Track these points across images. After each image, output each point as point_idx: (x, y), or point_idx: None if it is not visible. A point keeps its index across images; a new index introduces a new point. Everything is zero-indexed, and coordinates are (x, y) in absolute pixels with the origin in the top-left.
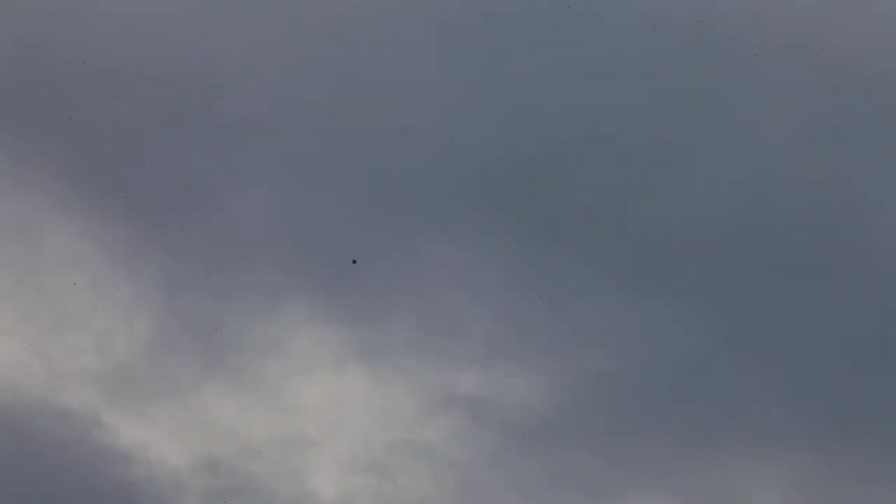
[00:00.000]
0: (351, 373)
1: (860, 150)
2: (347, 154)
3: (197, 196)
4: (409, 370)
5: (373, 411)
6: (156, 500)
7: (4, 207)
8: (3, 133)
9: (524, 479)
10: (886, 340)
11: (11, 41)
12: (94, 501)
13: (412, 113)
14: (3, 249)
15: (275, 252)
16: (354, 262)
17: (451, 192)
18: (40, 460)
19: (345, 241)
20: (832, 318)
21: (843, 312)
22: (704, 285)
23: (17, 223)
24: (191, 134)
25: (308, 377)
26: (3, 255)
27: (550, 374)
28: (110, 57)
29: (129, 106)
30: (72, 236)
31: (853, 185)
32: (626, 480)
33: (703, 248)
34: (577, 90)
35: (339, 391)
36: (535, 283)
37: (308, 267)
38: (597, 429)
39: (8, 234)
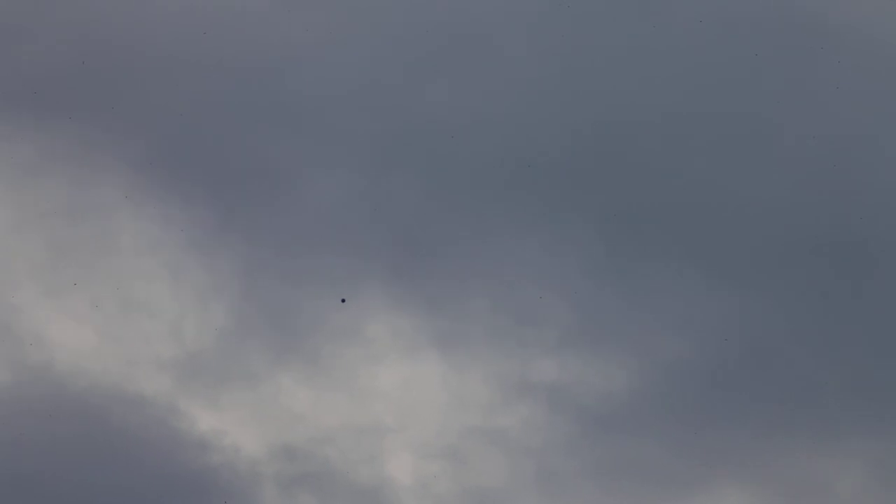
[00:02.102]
0: (426, 360)
1: None
2: (423, 138)
3: (272, 181)
4: (485, 357)
5: (448, 398)
6: (233, 487)
7: (78, 194)
8: (76, 119)
9: (600, 467)
10: None
11: (83, 27)
12: (170, 489)
13: (488, 97)
14: (76, 236)
15: (350, 238)
16: (343, 300)
17: (527, 178)
18: (115, 448)
19: (421, 228)
20: None
21: None
22: (783, 273)
23: (91, 209)
24: (266, 118)
25: (383, 364)
26: (77, 241)
27: (626, 362)
28: (184, 42)
29: (205, 90)
30: (146, 222)
31: None
32: (703, 470)
33: (781, 235)
34: (653, 70)
35: (414, 378)
36: (611, 271)
37: (383, 253)
38: (673, 417)
39: (81, 221)
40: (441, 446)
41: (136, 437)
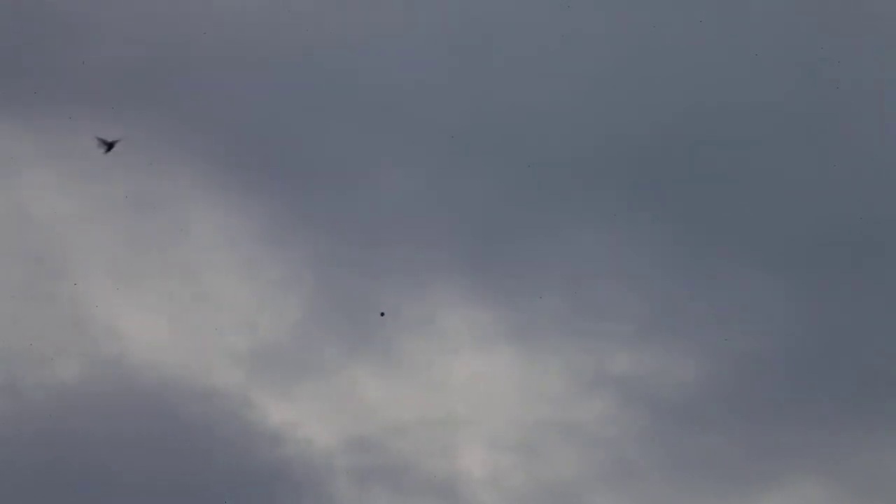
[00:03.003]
0: (500, 352)
1: None
2: (500, 131)
3: (347, 173)
4: (559, 350)
5: (522, 391)
6: (306, 480)
7: (152, 186)
8: (153, 111)
9: (675, 460)
10: None
11: (160, 20)
12: (243, 481)
13: (566, 91)
14: (149, 228)
15: (425, 230)
16: (382, 314)
17: (603, 173)
18: (187, 441)
19: (496, 220)
20: None
21: None
22: (858, 268)
23: (165, 201)
24: (341, 111)
25: (457, 356)
26: (150, 233)
27: (700, 356)
28: (261, 37)
29: (279, 84)
30: (221, 215)
31: None
32: (779, 463)
33: (857, 230)
34: (729, 62)
35: (488, 371)
36: (685, 265)
37: (458, 246)
38: (747, 410)
39: (155, 213)
40: (514, 439)
41: (209, 430)
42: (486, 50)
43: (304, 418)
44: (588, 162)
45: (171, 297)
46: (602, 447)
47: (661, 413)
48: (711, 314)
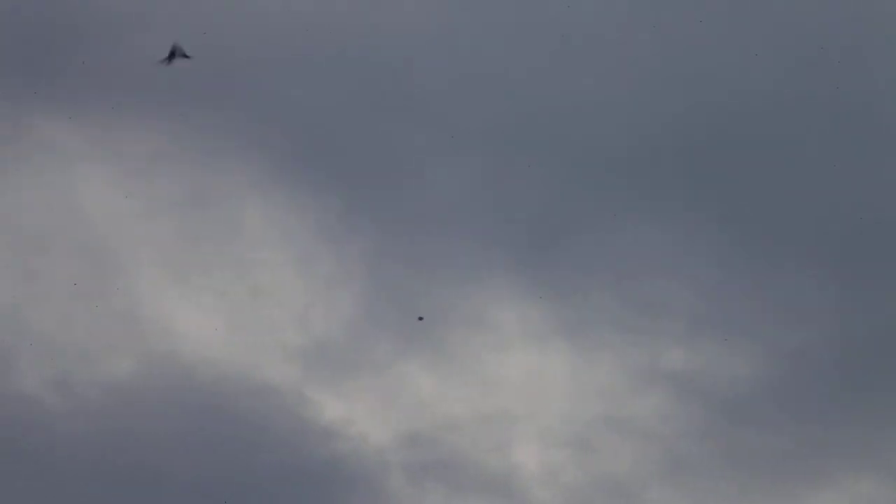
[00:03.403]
0: (553, 348)
1: None
2: (552, 126)
3: (401, 169)
4: (613, 346)
5: (575, 387)
6: (360, 476)
7: (206, 182)
8: (207, 107)
9: (728, 456)
10: None
11: (212, 17)
12: (297, 478)
13: (617, 85)
14: (203, 224)
15: (477, 226)
16: (421, 318)
17: (653, 167)
18: (241, 437)
19: (548, 216)
20: None
21: None
22: None
23: (218, 197)
24: (392, 105)
25: (510, 352)
26: (204, 229)
27: (755, 351)
28: (313, 33)
29: (332, 80)
30: (275, 211)
31: None
32: (832, 460)
33: None
34: (780, 55)
35: (541, 366)
36: (738, 260)
37: (511, 241)
38: (801, 406)
39: (208, 209)
40: (569, 435)
41: (263, 426)
42: (537, 44)
43: (358, 414)
44: (640, 158)
45: (224, 293)
46: (656, 443)
47: (714, 409)
48: (764, 309)
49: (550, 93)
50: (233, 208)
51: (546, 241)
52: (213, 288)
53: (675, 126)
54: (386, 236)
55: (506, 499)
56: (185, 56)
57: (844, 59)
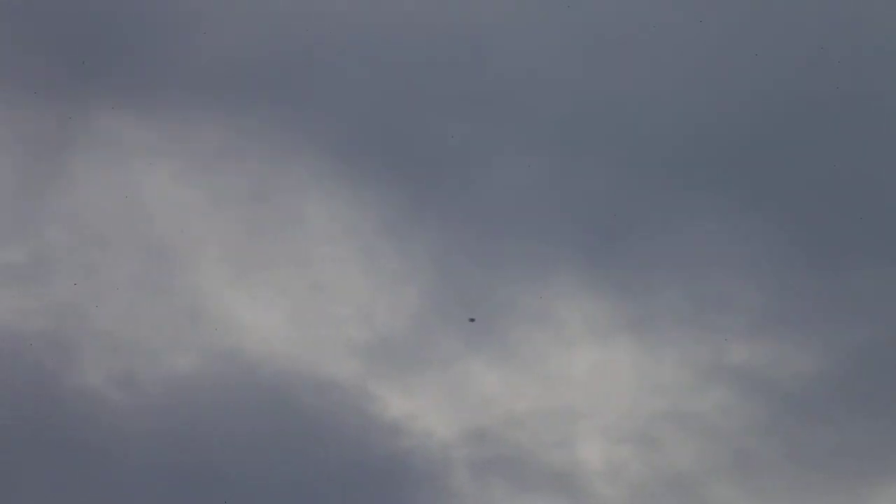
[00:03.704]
0: (618, 344)
1: None
2: (617, 124)
3: (466, 166)
4: (677, 342)
5: (640, 382)
6: (425, 472)
7: (271, 178)
8: (273, 104)
9: (792, 451)
10: None
11: (280, 15)
12: (362, 473)
13: (684, 83)
14: (267, 220)
15: (543, 223)
16: (472, 320)
17: (718, 164)
18: (306, 432)
19: (614, 214)
20: None
21: None
22: None
23: (283, 193)
24: (458, 103)
25: (574, 348)
26: (267, 224)
27: (818, 346)
28: (380, 31)
29: (399, 77)
30: (339, 206)
31: None
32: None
33: None
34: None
35: (605, 362)
36: (801, 256)
37: (576, 238)
38: (867, 402)
39: (273, 205)
40: (632, 430)
41: (327, 422)
42: (605, 43)
43: (423, 410)
44: (706, 157)
45: (288, 288)
46: (719, 439)
47: (778, 404)
48: (829, 305)
49: (616, 92)
50: (296, 203)
51: (611, 238)
52: (277, 283)
53: (741, 125)
54: (451, 233)
55: (569, 494)
56: None
57: None
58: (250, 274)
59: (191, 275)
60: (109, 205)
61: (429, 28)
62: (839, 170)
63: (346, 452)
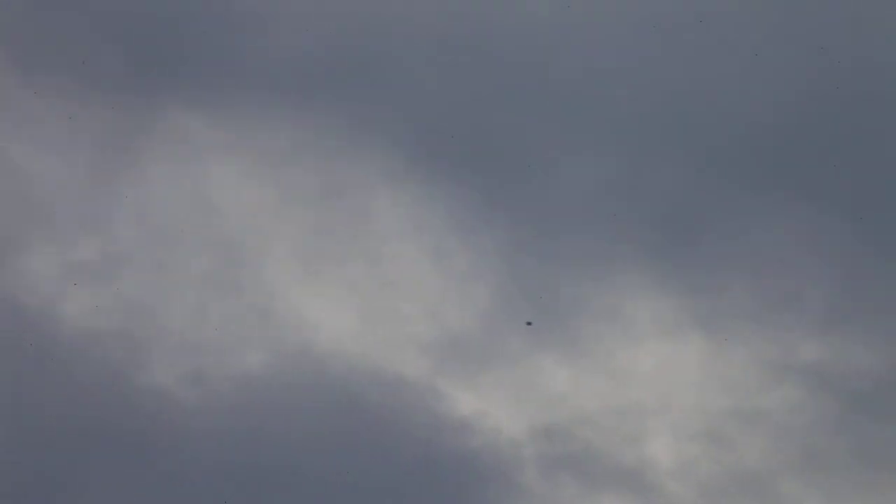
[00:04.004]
0: (686, 342)
1: None
2: (686, 121)
3: (535, 164)
4: (746, 339)
5: (708, 380)
6: (494, 469)
7: (340, 175)
8: (341, 102)
9: (862, 449)
10: None
11: (347, 15)
12: (431, 471)
13: (751, 81)
14: (336, 218)
15: (611, 220)
16: (529, 323)
17: (786, 162)
18: (375, 429)
19: (682, 211)
20: None
21: None
22: None
23: (352, 191)
24: (527, 101)
25: (643, 345)
26: (337, 223)
27: (888, 344)
28: (448, 29)
29: (467, 75)
30: (409, 204)
31: None
32: None
33: None
34: None
35: (674, 360)
36: (871, 252)
37: (644, 235)
38: None
39: (342, 203)
40: (701, 428)
41: (396, 420)
42: (673, 42)
43: (492, 408)
44: (774, 155)
45: (357, 286)
46: (789, 436)
47: (847, 402)
48: None
49: (686, 91)
50: (366, 201)
51: (679, 235)
52: (346, 281)
53: (810, 124)
54: (520, 230)
55: (638, 491)
56: None
57: None
58: (320, 272)
59: (260, 273)
60: (179, 203)
61: (499, 25)
62: None
63: (414, 450)
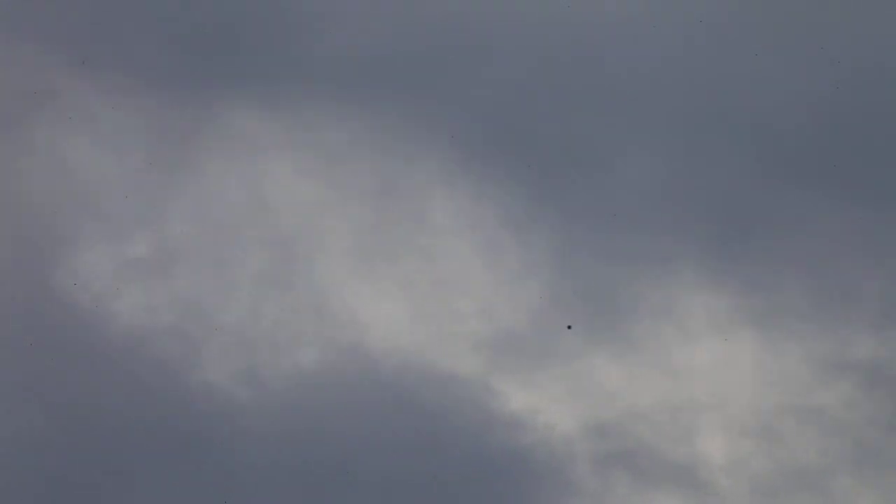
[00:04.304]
0: (741, 338)
1: None
2: (740, 117)
3: (588, 160)
4: (802, 335)
5: (763, 376)
6: (547, 466)
7: (392, 172)
8: (394, 99)
9: None
10: None
11: (398, 12)
12: (484, 468)
13: (809, 76)
14: (390, 214)
15: (665, 216)
16: (569, 327)
17: (841, 155)
18: (427, 426)
19: (736, 206)
20: None
21: None
22: None
23: (404, 188)
24: (582, 96)
25: (697, 342)
26: (390, 219)
27: None
28: (501, 25)
29: (521, 69)
30: (462, 200)
31: None
32: None
33: None
34: None
35: (729, 356)
36: None
37: (698, 232)
38: None
39: (394, 200)
40: (755, 425)
41: (449, 417)
42: (729, 34)
43: (545, 405)
44: (830, 149)
45: (411, 283)
46: (843, 433)
47: None
48: None
49: (741, 86)
50: (420, 199)
51: (734, 232)
52: (400, 278)
53: (867, 119)
54: (573, 227)
55: (692, 489)
56: None
57: None
58: (374, 269)
59: (315, 270)
60: (235, 199)
61: (552, 23)
62: None
63: (467, 447)
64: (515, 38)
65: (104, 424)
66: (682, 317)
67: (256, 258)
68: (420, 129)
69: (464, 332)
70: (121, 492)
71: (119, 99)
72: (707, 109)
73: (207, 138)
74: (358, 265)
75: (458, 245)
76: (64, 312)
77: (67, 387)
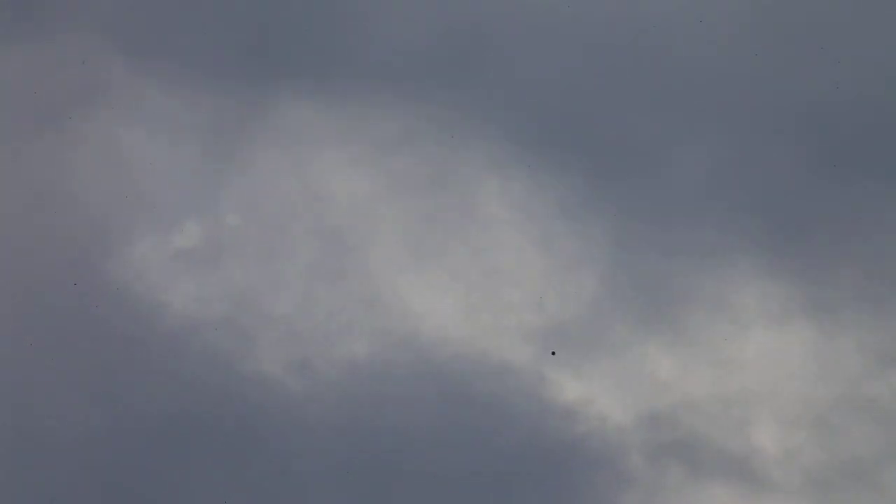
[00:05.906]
0: (794, 329)
1: None
2: (793, 111)
3: (644, 151)
4: (857, 325)
5: (818, 367)
6: (600, 457)
7: (445, 162)
8: (448, 89)
9: None
10: None
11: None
12: (538, 458)
13: (860, 68)
14: (443, 206)
15: (719, 208)
16: (553, 353)
17: None
18: (480, 417)
19: (791, 196)
20: None
21: None
22: None
23: (458, 178)
24: (638, 88)
25: (751, 332)
26: (443, 211)
27: None
28: (554, 16)
29: (576, 61)
30: (515, 191)
31: None
32: None
33: None
34: None
35: (783, 347)
36: None
37: (754, 224)
38: None
39: (448, 190)
40: (809, 416)
41: (502, 407)
42: (785, 28)
43: (598, 395)
44: (886, 139)
45: (463, 274)
46: None
47: None
48: None
49: (796, 79)
50: (473, 189)
51: (788, 223)
52: (452, 269)
53: None
54: (628, 218)
55: (745, 480)
56: None
57: None
58: (426, 260)
59: (366, 261)
60: (287, 191)
61: (608, 13)
62: None
63: (521, 437)
64: (570, 28)
65: (157, 416)
66: (735, 308)
67: (309, 249)
68: (473, 120)
69: (517, 322)
70: (174, 483)
71: (173, 91)
72: (763, 102)
73: (260, 130)
74: (410, 256)
75: (510, 236)
76: (118, 304)
77: (120, 378)
